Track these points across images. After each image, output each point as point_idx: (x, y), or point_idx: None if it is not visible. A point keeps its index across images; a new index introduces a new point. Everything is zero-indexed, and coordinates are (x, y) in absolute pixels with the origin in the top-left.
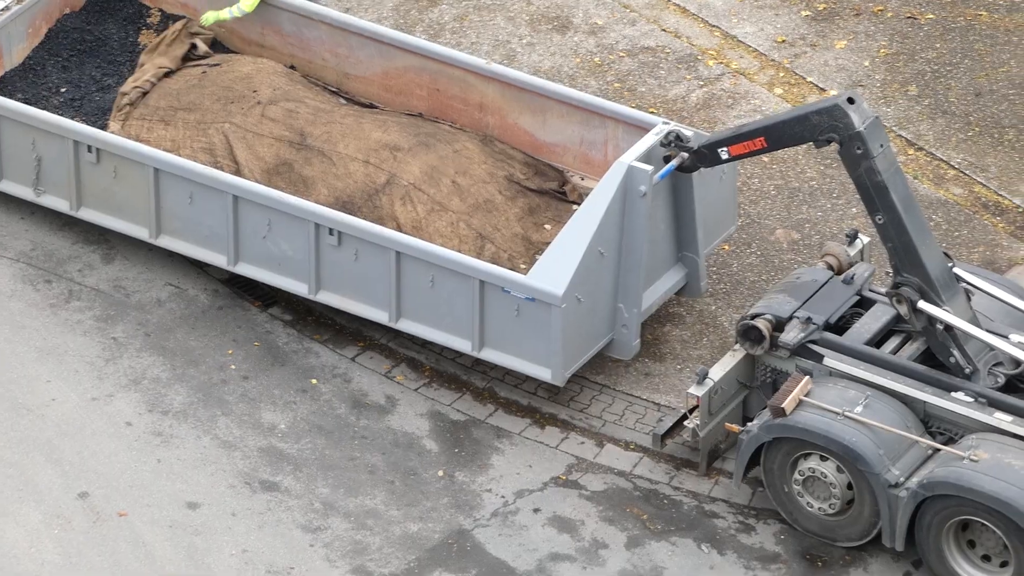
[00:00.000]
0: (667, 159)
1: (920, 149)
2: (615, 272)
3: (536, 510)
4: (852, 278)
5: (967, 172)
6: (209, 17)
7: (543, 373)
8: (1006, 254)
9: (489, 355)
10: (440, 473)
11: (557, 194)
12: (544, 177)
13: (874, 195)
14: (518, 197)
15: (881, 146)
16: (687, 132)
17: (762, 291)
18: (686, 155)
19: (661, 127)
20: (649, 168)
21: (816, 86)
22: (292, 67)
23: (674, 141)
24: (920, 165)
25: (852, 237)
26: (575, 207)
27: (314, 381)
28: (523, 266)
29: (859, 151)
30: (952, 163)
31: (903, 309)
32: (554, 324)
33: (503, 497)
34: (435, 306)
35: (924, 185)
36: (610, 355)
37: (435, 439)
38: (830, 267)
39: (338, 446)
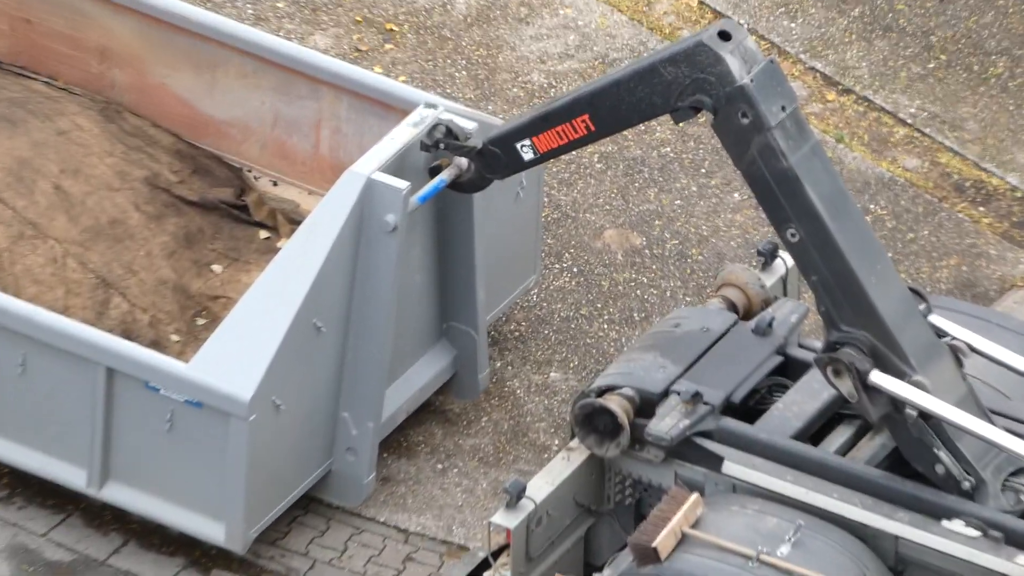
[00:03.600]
0: (434, 170)
1: (848, 92)
2: (338, 359)
3: None
4: (769, 325)
5: (926, 131)
6: None
7: (212, 531)
8: (996, 269)
9: (117, 495)
10: None
11: (231, 209)
12: (211, 179)
13: (780, 195)
14: (167, 214)
15: (784, 108)
16: (465, 123)
17: (588, 336)
18: (465, 161)
19: (424, 112)
20: (404, 185)
21: None
22: None
23: (443, 139)
24: (847, 119)
25: (768, 255)
26: (263, 234)
27: None
28: (175, 337)
29: (745, 120)
30: (901, 115)
31: (845, 386)
32: (234, 448)
33: None
34: (27, 408)
35: (854, 153)
36: (327, 499)
37: None
38: (732, 306)
39: None
